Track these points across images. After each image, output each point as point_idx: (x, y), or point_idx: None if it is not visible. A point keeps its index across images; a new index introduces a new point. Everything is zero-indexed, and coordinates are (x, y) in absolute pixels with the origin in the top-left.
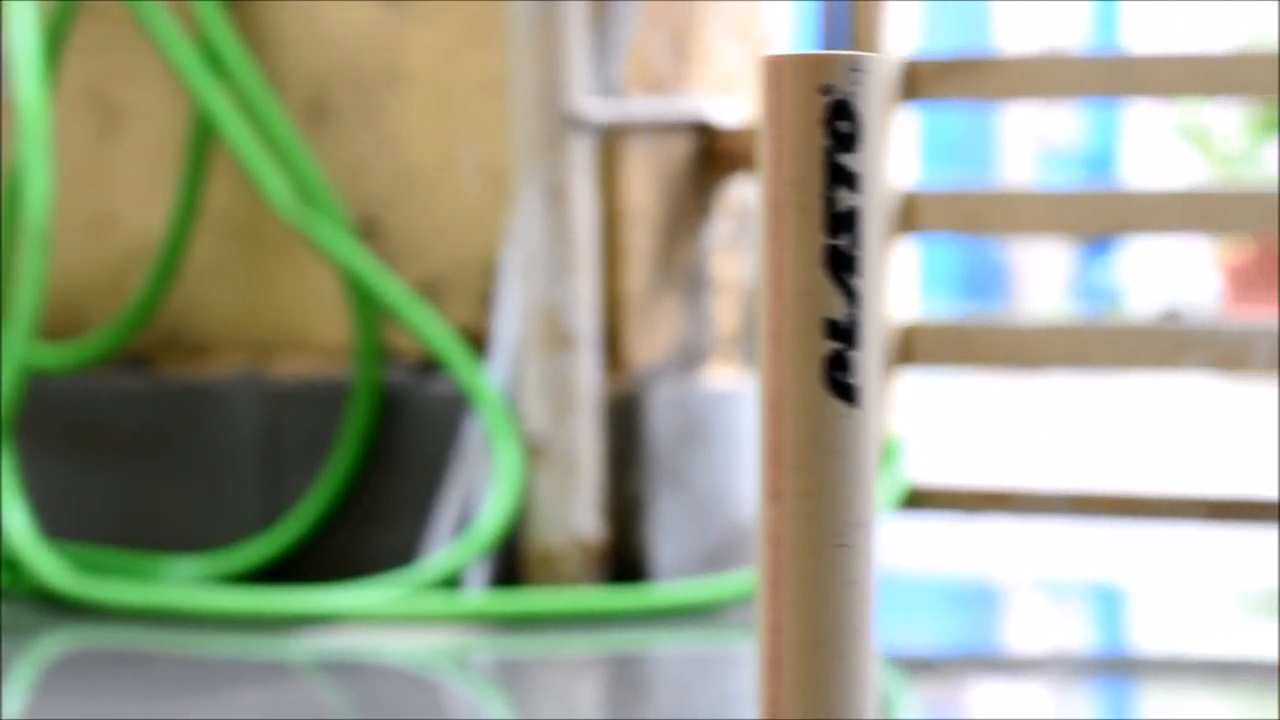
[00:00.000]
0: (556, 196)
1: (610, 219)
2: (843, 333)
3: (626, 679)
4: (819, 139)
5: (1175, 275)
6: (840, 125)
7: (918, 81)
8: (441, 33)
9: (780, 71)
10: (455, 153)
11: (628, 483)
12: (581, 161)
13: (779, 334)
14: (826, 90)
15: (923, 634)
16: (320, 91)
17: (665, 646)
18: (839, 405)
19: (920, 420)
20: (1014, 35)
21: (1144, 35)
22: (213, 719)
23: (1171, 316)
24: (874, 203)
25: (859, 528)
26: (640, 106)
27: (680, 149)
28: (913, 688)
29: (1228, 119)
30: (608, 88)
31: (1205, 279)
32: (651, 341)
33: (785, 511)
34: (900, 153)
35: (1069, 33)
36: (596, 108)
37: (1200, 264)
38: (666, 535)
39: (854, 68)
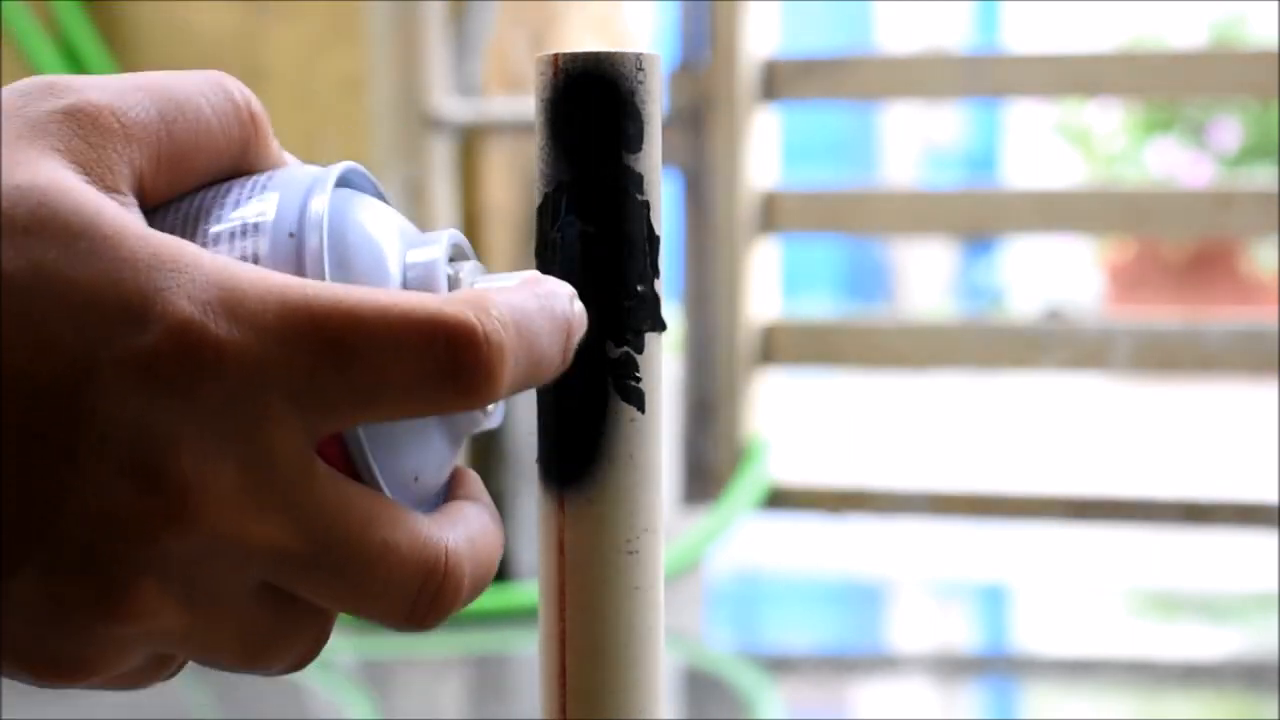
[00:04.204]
0: (416, 195)
1: (470, 218)
2: (630, 337)
3: (488, 679)
4: None
5: (1058, 275)
6: (624, 124)
7: (778, 81)
8: (302, 32)
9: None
10: (315, 151)
11: (489, 482)
12: (441, 161)
13: None
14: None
15: (787, 633)
16: None
17: (527, 646)
18: (626, 410)
19: (784, 420)
20: (895, 35)
21: (1025, 35)
22: (69, 719)
23: (1054, 316)
24: (658, 202)
25: (648, 533)
26: (500, 106)
27: None
28: (775, 687)
29: (1109, 119)
30: (467, 87)
31: (1087, 278)
32: None
33: (570, 518)
34: (763, 152)
35: (950, 32)
36: (456, 107)
37: (1082, 263)
38: (528, 534)
39: (638, 66)
